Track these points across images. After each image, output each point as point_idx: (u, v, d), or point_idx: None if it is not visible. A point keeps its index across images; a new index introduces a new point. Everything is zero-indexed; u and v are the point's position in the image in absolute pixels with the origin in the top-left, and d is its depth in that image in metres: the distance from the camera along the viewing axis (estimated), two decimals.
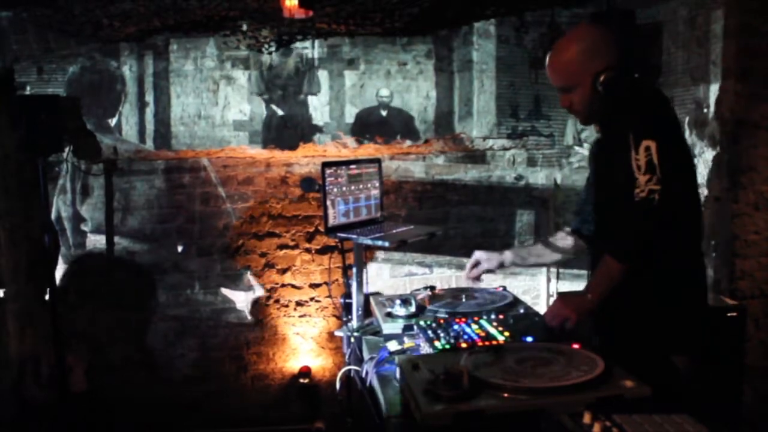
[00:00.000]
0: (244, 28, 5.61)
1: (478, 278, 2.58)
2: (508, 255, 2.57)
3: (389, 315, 2.31)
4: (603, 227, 2.22)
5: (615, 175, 2.02)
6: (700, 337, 2.11)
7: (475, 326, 2.11)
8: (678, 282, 2.06)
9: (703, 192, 4.02)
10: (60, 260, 4.37)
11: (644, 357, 1.87)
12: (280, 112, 7.98)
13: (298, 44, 7.75)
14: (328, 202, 2.58)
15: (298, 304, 4.72)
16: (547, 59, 2.17)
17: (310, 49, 8.03)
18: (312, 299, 4.71)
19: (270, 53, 7.05)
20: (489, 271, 2.57)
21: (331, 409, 4.56)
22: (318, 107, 8.30)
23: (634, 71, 2.15)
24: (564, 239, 2.51)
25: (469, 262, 2.60)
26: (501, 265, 2.57)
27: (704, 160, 4.02)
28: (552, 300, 2.31)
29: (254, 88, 8.04)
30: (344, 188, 2.66)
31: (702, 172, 4.05)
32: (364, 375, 2.05)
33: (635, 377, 1.59)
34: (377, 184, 2.83)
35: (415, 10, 5.07)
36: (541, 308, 3.56)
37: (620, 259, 1.95)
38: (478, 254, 2.58)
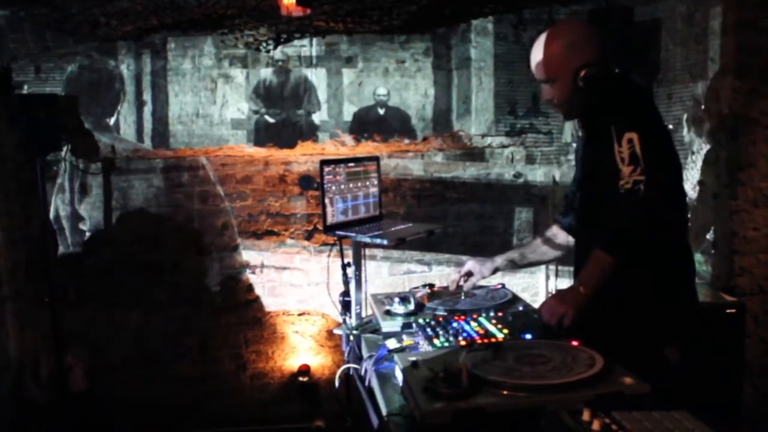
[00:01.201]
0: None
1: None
2: (499, 260, 2.55)
3: (388, 313, 2.31)
4: (587, 220, 2.22)
5: (600, 170, 2.03)
6: (689, 328, 2.12)
7: (474, 324, 2.11)
8: (666, 273, 2.07)
9: (697, 188, 4.02)
10: (58, 260, 4.36)
11: (635, 349, 1.87)
12: (272, 120, 7.98)
13: (299, 66, 7.78)
14: (327, 201, 2.57)
15: (298, 302, 4.72)
16: (530, 53, 2.17)
17: (308, 47, 8.03)
18: (311, 297, 4.71)
19: (268, 51, 7.05)
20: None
21: (330, 408, 4.56)
22: None
23: (615, 67, 2.16)
24: (558, 235, 2.52)
25: (459, 273, 2.55)
26: (495, 272, 2.56)
27: (702, 156, 4.02)
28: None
29: (252, 105, 8.04)
30: (343, 186, 2.65)
31: (700, 168, 4.05)
32: (363, 373, 2.05)
33: (633, 374, 1.59)
34: (376, 182, 2.82)
35: (413, 8, 5.07)
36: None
37: (611, 252, 1.95)
38: (470, 264, 2.55)
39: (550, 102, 2.19)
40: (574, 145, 6.22)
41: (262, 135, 7.77)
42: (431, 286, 2.57)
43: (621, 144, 1.89)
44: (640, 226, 1.91)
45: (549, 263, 2.91)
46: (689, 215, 4.17)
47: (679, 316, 2.10)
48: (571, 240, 2.48)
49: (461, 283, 2.55)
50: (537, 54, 2.14)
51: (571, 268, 2.37)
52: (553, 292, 4.32)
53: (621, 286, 2.00)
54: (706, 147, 3.99)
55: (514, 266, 2.62)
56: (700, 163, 4.06)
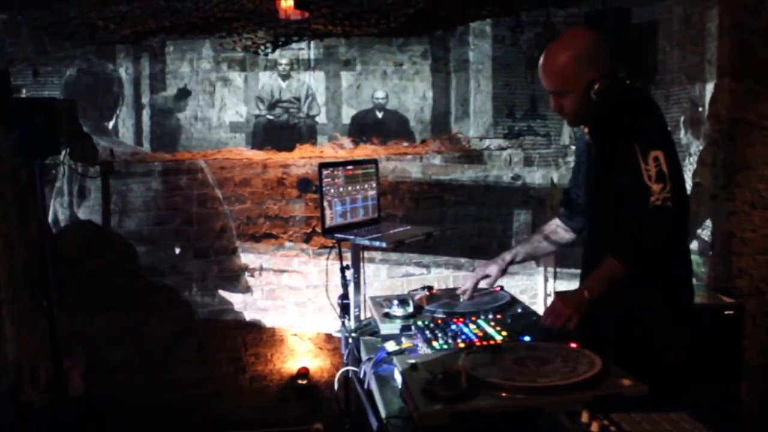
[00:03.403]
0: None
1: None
2: (507, 255, 2.55)
3: (387, 315, 2.31)
4: (601, 228, 2.22)
5: (618, 182, 2.05)
6: (688, 329, 2.12)
7: (472, 326, 2.11)
8: (668, 281, 2.08)
9: (695, 190, 4.03)
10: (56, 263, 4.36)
11: (635, 352, 1.87)
12: (270, 117, 7.99)
13: (297, 69, 7.80)
14: (325, 203, 2.58)
15: (296, 305, 4.72)
16: (540, 62, 2.15)
17: (306, 50, 8.03)
18: (309, 300, 4.71)
19: (266, 55, 7.05)
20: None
21: (329, 410, 4.56)
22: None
23: (626, 77, 2.16)
24: (557, 231, 2.55)
25: (474, 276, 2.52)
26: (511, 263, 2.56)
27: (700, 158, 4.03)
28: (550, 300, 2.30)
29: (254, 109, 8.05)
30: (341, 189, 2.65)
31: (698, 170, 4.06)
32: (362, 375, 2.05)
33: (632, 375, 1.59)
34: (374, 185, 2.82)
35: (411, 11, 5.08)
36: (539, 308, 3.56)
37: (628, 262, 1.97)
38: (486, 269, 2.52)
39: (559, 111, 2.19)
40: (573, 147, 6.24)
41: (260, 138, 7.77)
42: (430, 288, 2.57)
43: (647, 162, 1.93)
44: (666, 240, 1.97)
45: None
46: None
47: (679, 319, 2.10)
48: (570, 236, 2.53)
49: (480, 285, 2.53)
50: (548, 65, 2.12)
51: (570, 270, 2.39)
52: (552, 294, 4.31)
53: (622, 289, 2.00)
54: (703, 148, 4.00)
55: (524, 260, 2.64)
56: (696, 165, 4.07)
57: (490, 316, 2.22)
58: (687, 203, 2.02)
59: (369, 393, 1.98)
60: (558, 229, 2.57)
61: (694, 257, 4.06)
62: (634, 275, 1.98)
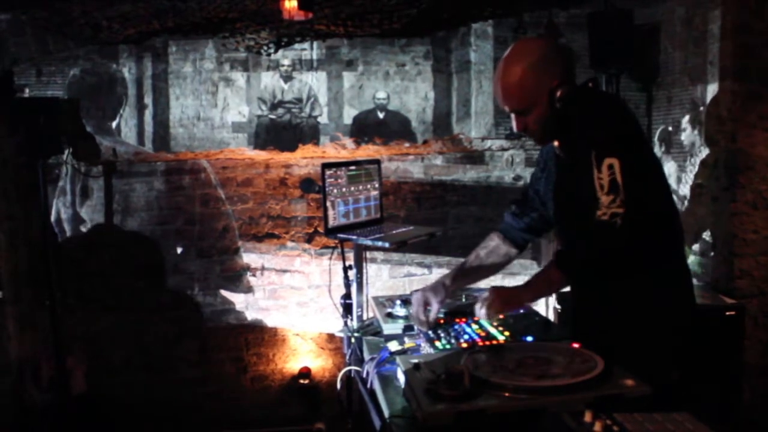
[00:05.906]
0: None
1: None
2: (449, 282, 2.27)
3: (390, 315, 2.31)
4: (568, 244, 2.16)
5: (578, 193, 1.92)
6: (690, 348, 2.04)
7: (475, 326, 2.12)
8: (663, 293, 2.00)
9: (696, 191, 4.04)
10: (59, 262, 4.37)
11: (639, 371, 1.80)
12: (272, 117, 8.00)
13: (300, 70, 7.80)
14: (328, 203, 2.58)
15: (298, 304, 4.72)
16: (495, 82, 2.02)
17: (308, 50, 8.04)
18: (311, 300, 4.72)
19: (269, 55, 7.07)
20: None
21: (331, 410, 4.56)
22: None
23: (590, 80, 2.05)
24: (500, 247, 2.46)
25: (418, 304, 2.16)
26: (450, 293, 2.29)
27: (702, 159, 4.04)
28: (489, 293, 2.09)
29: (256, 110, 8.06)
30: (344, 189, 2.66)
31: (699, 171, 4.07)
32: (364, 375, 2.05)
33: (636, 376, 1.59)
34: (377, 185, 2.83)
35: (413, 12, 5.08)
36: (540, 308, 3.57)
37: (568, 274, 1.90)
38: (426, 295, 2.17)
39: (524, 131, 2.05)
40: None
41: (262, 138, 7.78)
42: None
43: (601, 170, 1.79)
44: (608, 259, 1.84)
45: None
46: (683, 222, 4.18)
47: (678, 335, 2.02)
48: (509, 255, 2.46)
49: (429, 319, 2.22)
50: (503, 83, 1.98)
51: None
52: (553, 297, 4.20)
53: (616, 308, 1.97)
54: (705, 149, 4.00)
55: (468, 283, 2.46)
56: (698, 166, 4.07)
57: None
58: (649, 217, 1.84)
59: (372, 393, 1.98)
60: (498, 247, 2.45)
61: (696, 258, 4.07)
62: (617, 288, 1.94)
